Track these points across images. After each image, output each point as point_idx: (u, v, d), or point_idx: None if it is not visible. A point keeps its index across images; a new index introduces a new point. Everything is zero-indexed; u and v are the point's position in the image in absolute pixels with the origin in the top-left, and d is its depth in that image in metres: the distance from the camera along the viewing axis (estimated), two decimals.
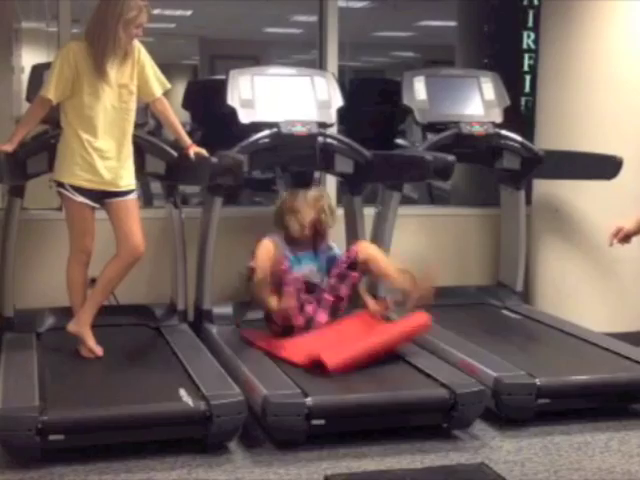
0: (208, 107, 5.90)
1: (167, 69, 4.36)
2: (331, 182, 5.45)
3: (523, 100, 6.25)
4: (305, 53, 8.82)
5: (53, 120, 4.15)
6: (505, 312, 5.19)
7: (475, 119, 5.02)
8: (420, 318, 4.20)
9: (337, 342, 4.10)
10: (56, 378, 3.86)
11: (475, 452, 3.68)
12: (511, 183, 5.28)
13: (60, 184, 4.09)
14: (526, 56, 6.28)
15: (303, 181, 4.79)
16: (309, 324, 4.35)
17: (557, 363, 4.25)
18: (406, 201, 5.55)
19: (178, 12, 9.64)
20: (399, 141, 4.95)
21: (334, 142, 4.73)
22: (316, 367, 3.88)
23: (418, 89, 5.04)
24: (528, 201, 5.40)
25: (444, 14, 8.75)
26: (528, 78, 6.24)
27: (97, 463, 3.47)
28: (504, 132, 5.06)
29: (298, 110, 4.70)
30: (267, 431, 3.71)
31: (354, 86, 7.71)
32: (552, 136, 5.31)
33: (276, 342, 4.25)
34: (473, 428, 3.86)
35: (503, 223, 5.48)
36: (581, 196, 5.21)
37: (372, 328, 4.26)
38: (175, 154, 4.38)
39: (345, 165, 4.78)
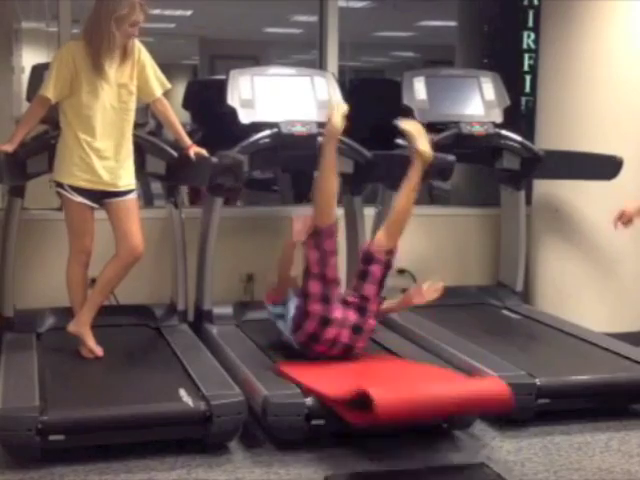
0: (208, 107, 5.90)
1: (167, 69, 4.36)
2: None
3: (523, 100, 6.25)
4: (305, 53, 8.82)
5: (53, 120, 4.16)
6: (505, 312, 5.19)
7: (475, 119, 5.02)
8: (496, 385, 3.62)
9: (388, 379, 3.70)
10: (56, 378, 3.86)
11: (475, 452, 3.68)
12: (511, 183, 5.28)
13: (59, 184, 4.09)
14: (526, 56, 6.28)
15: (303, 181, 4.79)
16: (335, 345, 4.00)
17: (557, 363, 4.25)
18: None
19: (178, 12, 9.63)
20: (399, 141, 4.94)
21: None
22: (357, 406, 3.38)
23: (418, 89, 5.04)
24: (528, 201, 5.41)
25: (444, 14, 8.75)
26: (528, 78, 6.24)
27: (97, 463, 3.47)
28: (504, 132, 5.06)
29: (298, 110, 4.70)
30: (267, 431, 3.71)
31: (354, 86, 7.70)
32: (552, 136, 5.31)
33: (316, 377, 3.78)
34: (473, 428, 3.86)
35: (503, 223, 5.48)
36: (581, 196, 5.21)
37: (434, 375, 3.81)
38: (175, 154, 4.38)
39: (345, 165, 4.77)
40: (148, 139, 4.49)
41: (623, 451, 3.72)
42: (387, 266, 4.06)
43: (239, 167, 4.31)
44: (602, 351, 4.41)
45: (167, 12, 9.43)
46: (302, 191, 6.77)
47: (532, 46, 6.20)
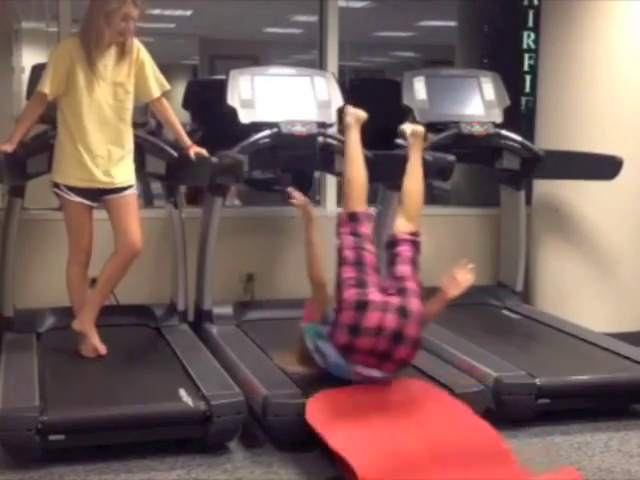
0: (208, 107, 5.90)
1: (167, 69, 4.36)
2: (331, 182, 5.45)
3: (523, 100, 6.25)
4: (305, 53, 8.83)
5: (53, 120, 4.15)
6: (505, 312, 5.19)
7: (475, 119, 5.02)
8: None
9: (435, 461, 3.14)
10: (56, 378, 3.86)
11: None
12: (511, 183, 5.28)
13: (56, 185, 4.09)
14: (526, 56, 6.27)
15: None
16: (381, 333, 3.52)
17: (557, 363, 4.25)
18: None
19: (178, 12, 9.65)
20: (399, 141, 4.94)
21: (334, 142, 4.72)
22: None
23: (418, 89, 5.04)
24: (528, 201, 5.41)
25: (444, 14, 8.77)
26: (528, 78, 6.23)
27: (97, 463, 3.47)
28: (504, 132, 5.05)
29: (298, 110, 4.70)
30: (267, 431, 3.71)
31: (354, 86, 7.70)
32: (552, 136, 5.31)
33: (346, 432, 3.32)
34: None
35: (503, 223, 5.48)
36: (581, 196, 5.21)
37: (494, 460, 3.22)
38: (175, 154, 4.38)
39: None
40: (148, 139, 4.48)
41: (623, 451, 3.72)
42: (415, 245, 3.83)
43: (239, 167, 4.31)
44: (602, 351, 4.42)
45: (167, 12, 9.45)
46: (302, 191, 6.78)
47: (532, 46, 6.20)
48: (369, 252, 3.75)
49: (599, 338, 4.62)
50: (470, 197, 6.37)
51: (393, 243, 3.84)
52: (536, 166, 5.10)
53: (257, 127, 4.59)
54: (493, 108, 5.10)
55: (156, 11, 8.75)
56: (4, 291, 4.54)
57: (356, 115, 4.19)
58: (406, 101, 5.03)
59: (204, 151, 4.27)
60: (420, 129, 4.31)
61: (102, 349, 4.14)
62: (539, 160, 5.07)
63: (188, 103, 6.84)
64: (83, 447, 3.50)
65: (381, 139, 4.91)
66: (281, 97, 4.75)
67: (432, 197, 6.64)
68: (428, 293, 3.72)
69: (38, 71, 4.39)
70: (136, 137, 4.25)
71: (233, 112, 4.61)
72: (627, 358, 4.28)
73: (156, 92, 4.19)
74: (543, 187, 5.42)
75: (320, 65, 5.48)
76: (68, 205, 4.10)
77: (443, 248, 5.49)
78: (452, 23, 7.56)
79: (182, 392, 3.62)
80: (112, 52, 4.03)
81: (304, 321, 3.87)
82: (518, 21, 6.31)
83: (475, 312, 5.13)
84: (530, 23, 6.24)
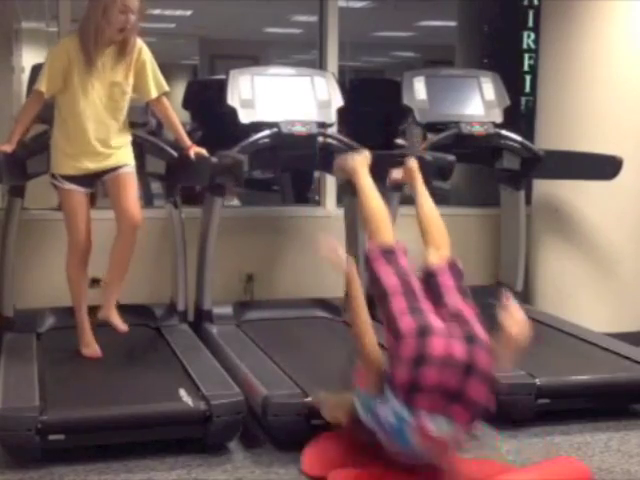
0: (208, 107, 5.91)
1: (167, 69, 4.35)
2: (331, 182, 5.45)
3: (523, 100, 6.26)
4: (305, 53, 8.83)
5: (52, 120, 4.15)
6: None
7: (475, 119, 5.02)
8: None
9: None
10: (56, 378, 3.85)
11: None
12: (511, 183, 5.28)
13: (52, 176, 4.10)
14: (526, 56, 6.28)
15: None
16: (451, 362, 3.06)
17: (557, 363, 4.25)
18: (406, 201, 5.54)
19: (178, 12, 9.65)
20: (399, 141, 4.95)
21: (334, 142, 4.73)
22: None
23: (418, 89, 5.04)
24: (528, 201, 5.41)
25: (444, 14, 8.77)
26: (528, 78, 6.24)
27: (97, 463, 3.47)
28: (504, 132, 5.06)
29: (298, 110, 4.70)
30: (267, 431, 3.71)
31: (354, 86, 7.71)
32: (552, 136, 5.31)
33: None
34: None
35: (503, 223, 5.48)
36: (581, 196, 5.21)
37: None
38: (175, 154, 4.38)
39: None
40: (148, 139, 4.48)
41: (623, 451, 3.72)
42: (454, 271, 3.47)
43: (239, 167, 4.31)
44: (602, 351, 4.41)
45: (167, 12, 9.45)
46: (302, 191, 6.80)
47: (532, 46, 6.20)
48: (415, 279, 3.34)
49: (599, 338, 4.62)
50: (470, 197, 6.37)
51: (430, 275, 3.42)
52: (536, 166, 5.10)
53: (257, 127, 4.59)
54: (493, 108, 5.10)
55: (156, 11, 8.74)
56: (4, 291, 4.54)
57: (359, 159, 4.01)
58: (406, 101, 5.03)
59: (204, 151, 4.26)
60: (410, 164, 4.09)
61: (123, 327, 4.13)
62: (539, 160, 5.08)
63: (188, 103, 6.86)
64: (83, 447, 3.50)
65: (381, 139, 4.92)
66: (281, 97, 4.75)
67: (432, 197, 6.66)
68: None
69: (38, 71, 4.38)
70: (136, 137, 4.24)
71: (233, 112, 4.61)
72: (627, 358, 4.28)
73: (153, 92, 4.17)
74: (543, 187, 5.42)
75: (320, 65, 5.48)
76: (63, 194, 4.09)
77: None
78: (452, 23, 7.57)
79: (182, 392, 3.62)
80: (111, 51, 4.02)
81: (357, 384, 3.28)
82: (518, 21, 6.31)
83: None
84: (530, 23, 6.25)
